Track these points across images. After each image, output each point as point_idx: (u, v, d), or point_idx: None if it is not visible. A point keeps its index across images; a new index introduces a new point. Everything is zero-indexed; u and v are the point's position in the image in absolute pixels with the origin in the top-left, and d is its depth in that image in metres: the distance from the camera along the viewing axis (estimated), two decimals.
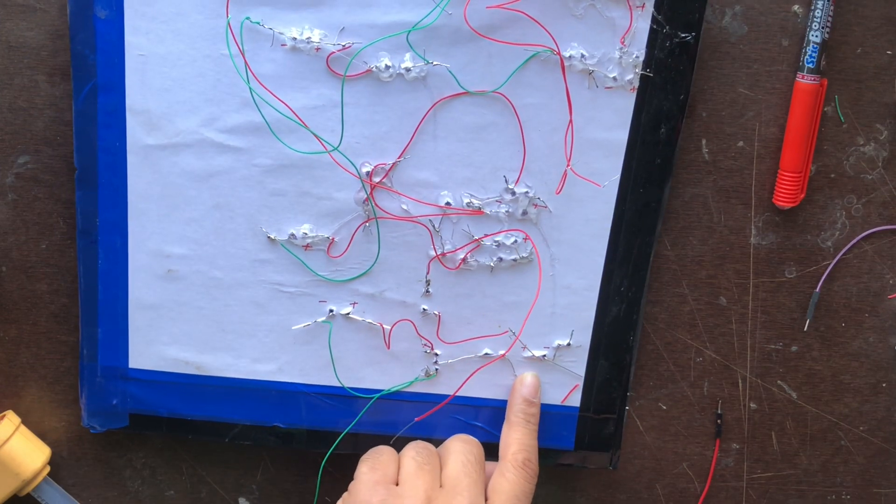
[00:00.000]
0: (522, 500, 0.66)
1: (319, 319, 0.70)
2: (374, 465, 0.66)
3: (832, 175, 0.69)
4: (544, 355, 0.71)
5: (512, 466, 0.67)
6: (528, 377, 0.71)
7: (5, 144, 0.69)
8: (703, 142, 0.69)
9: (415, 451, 0.67)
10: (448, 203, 0.68)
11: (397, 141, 0.67)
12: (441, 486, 0.65)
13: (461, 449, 0.67)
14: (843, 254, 0.71)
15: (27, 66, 0.68)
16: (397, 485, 0.65)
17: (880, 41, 0.67)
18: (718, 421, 0.73)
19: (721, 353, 0.72)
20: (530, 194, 0.68)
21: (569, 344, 0.71)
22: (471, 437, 0.69)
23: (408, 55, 0.65)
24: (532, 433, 0.69)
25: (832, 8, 0.65)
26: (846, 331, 0.72)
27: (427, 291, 0.70)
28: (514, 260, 0.69)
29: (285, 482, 0.75)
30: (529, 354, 0.71)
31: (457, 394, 0.71)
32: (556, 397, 0.72)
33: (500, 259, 0.69)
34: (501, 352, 0.71)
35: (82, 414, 0.72)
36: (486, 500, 0.65)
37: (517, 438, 0.69)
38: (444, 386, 0.71)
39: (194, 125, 0.66)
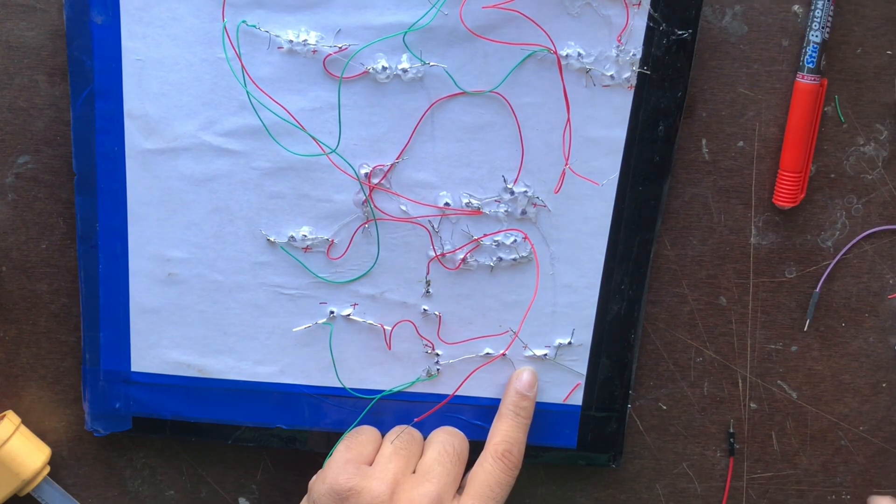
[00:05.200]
0: (496, 491, 0.66)
1: (320, 321, 0.70)
2: (349, 445, 0.68)
3: (832, 175, 0.69)
4: (545, 354, 0.71)
5: (491, 457, 0.67)
6: (524, 372, 0.70)
7: (5, 144, 0.69)
8: (703, 142, 0.68)
9: (395, 436, 0.68)
10: (447, 203, 0.68)
11: (395, 142, 0.67)
12: (414, 473, 0.66)
13: (441, 440, 0.68)
14: (843, 254, 0.70)
15: (27, 66, 0.68)
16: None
17: (880, 41, 0.67)
18: (731, 440, 0.73)
19: (721, 353, 0.72)
20: (529, 193, 0.68)
21: (570, 343, 0.71)
22: (456, 429, 0.70)
23: (404, 56, 0.65)
24: (520, 426, 0.69)
25: (832, 8, 0.65)
26: (846, 331, 0.72)
27: (427, 292, 0.70)
28: (514, 259, 0.69)
29: (285, 482, 0.76)
30: (531, 353, 0.71)
31: (458, 393, 0.71)
32: (557, 396, 0.72)
33: (500, 259, 0.69)
34: (503, 351, 0.71)
35: (86, 418, 0.72)
36: (462, 489, 0.66)
37: (502, 430, 0.69)
38: (446, 386, 0.71)
39: (192, 129, 0.66)
